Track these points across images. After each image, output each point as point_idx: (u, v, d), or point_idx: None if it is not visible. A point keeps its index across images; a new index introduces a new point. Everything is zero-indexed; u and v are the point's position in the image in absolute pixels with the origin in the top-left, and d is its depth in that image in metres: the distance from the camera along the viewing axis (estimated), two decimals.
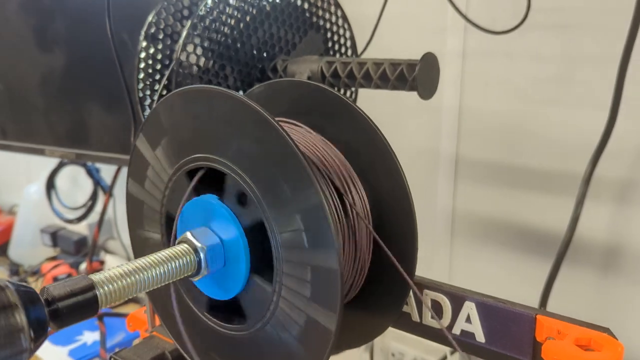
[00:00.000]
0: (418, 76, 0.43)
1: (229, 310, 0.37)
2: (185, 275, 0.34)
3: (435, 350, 0.80)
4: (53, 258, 1.36)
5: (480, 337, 0.37)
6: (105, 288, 0.29)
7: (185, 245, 0.34)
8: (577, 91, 0.70)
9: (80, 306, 0.28)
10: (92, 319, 1.03)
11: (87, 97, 0.93)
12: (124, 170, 1.02)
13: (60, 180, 1.28)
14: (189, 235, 0.34)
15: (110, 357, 0.49)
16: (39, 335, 0.26)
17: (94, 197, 1.14)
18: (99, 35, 0.89)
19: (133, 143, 0.41)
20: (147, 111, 0.56)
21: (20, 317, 0.25)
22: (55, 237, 1.36)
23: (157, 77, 0.55)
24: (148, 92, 0.55)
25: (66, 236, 1.34)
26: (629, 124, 0.63)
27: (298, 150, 0.29)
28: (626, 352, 0.74)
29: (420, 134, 0.85)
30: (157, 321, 0.56)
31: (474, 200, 0.82)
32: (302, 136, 0.38)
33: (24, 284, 0.27)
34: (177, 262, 0.33)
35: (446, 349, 0.77)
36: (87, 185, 1.26)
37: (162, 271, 0.32)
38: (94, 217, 1.25)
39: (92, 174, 1.11)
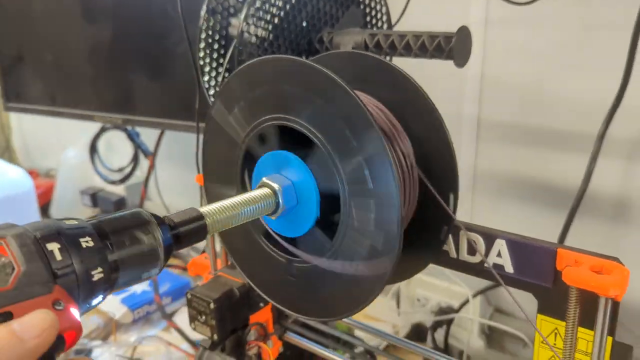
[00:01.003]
0: (454, 47, 0.49)
1: (300, 245, 0.44)
2: (267, 213, 0.41)
3: (458, 295, 0.87)
4: (93, 218, 1.44)
5: (509, 268, 0.44)
6: (211, 218, 0.36)
7: (267, 188, 0.40)
8: (593, 56, 0.75)
9: (194, 232, 0.34)
10: None
11: (133, 66, 0.99)
12: (168, 134, 1.09)
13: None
14: (266, 180, 0.41)
15: (187, 293, 0.56)
16: (167, 255, 0.33)
17: (135, 160, 1.20)
18: (144, 6, 0.95)
19: (210, 109, 0.47)
20: (207, 77, 0.62)
21: (160, 243, 0.32)
22: (95, 198, 1.43)
23: (216, 46, 0.61)
24: (207, 60, 0.61)
25: (105, 197, 1.41)
26: (636, 87, 0.68)
27: (364, 106, 0.36)
28: (631, 297, 0.82)
29: (444, 98, 0.89)
30: (219, 265, 0.63)
31: (494, 158, 0.88)
32: (364, 97, 0.44)
33: (155, 215, 0.33)
34: (261, 202, 0.40)
35: (468, 293, 0.85)
36: (123, 149, 1.33)
37: (251, 209, 0.39)
38: (132, 179, 1.33)
39: (133, 138, 1.17)
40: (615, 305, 0.38)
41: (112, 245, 0.30)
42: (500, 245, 0.44)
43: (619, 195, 0.77)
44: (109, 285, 0.30)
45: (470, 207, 0.92)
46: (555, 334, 0.43)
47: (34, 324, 0.25)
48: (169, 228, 0.33)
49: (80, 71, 1.07)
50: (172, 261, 1.19)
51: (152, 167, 1.07)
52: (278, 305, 0.47)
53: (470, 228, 0.45)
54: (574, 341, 0.40)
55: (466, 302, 0.85)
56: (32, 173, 1.66)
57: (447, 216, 0.45)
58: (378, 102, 0.46)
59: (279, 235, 0.44)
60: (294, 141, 0.42)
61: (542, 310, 0.43)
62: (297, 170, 0.41)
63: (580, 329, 0.40)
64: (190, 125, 0.89)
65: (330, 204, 0.40)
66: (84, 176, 1.48)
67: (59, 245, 0.28)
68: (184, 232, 0.34)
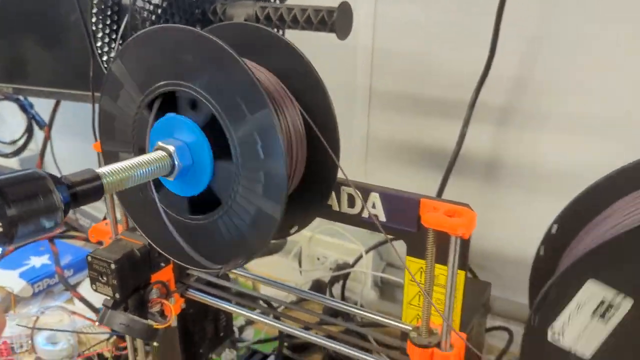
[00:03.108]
0: (336, 20, 0.54)
1: (195, 207, 0.47)
2: (163, 174, 0.44)
3: (352, 252, 0.95)
4: None
5: (382, 217, 0.50)
6: (107, 179, 0.38)
7: (162, 151, 0.43)
8: (468, 32, 0.83)
9: (91, 191, 0.36)
10: (38, 244, 1.10)
11: (23, 34, 0.96)
12: (64, 104, 1.07)
13: None
14: (161, 144, 0.44)
15: (88, 256, 0.58)
16: (66, 212, 0.36)
17: (29, 132, 1.16)
18: None
19: (106, 75, 0.49)
20: (100, 43, 0.62)
21: (57, 199, 0.34)
22: None
23: (108, 13, 0.61)
24: (100, 28, 0.62)
25: None
26: (504, 60, 0.77)
27: (255, 78, 0.40)
28: (502, 241, 0.94)
29: (338, 70, 0.96)
30: (119, 230, 0.65)
31: (384, 125, 0.96)
32: (251, 67, 0.47)
33: (51, 174, 0.35)
34: (157, 164, 0.42)
35: (360, 248, 0.92)
36: (15, 120, 1.27)
37: (147, 170, 0.41)
38: (26, 152, 1.28)
39: (26, 109, 1.13)
40: (464, 242, 0.45)
41: (9, 202, 0.32)
42: (375, 197, 0.50)
43: (490, 156, 0.87)
44: (8, 238, 0.32)
45: (365, 169, 0.99)
46: (421, 272, 0.50)
47: None
48: (66, 187, 0.36)
49: None
50: (73, 233, 1.17)
51: (48, 139, 1.05)
52: (174, 259, 0.51)
53: (350, 183, 0.51)
54: (433, 275, 0.47)
55: (360, 257, 0.93)
56: None
57: (331, 176, 0.50)
58: (268, 71, 0.50)
59: (174, 194, 0.48)
60: (188, 106, 0.45)
61: (409, 252, 0.50)
62: (191, 133, 0.44)
63: (439, 266, 0.48)
64: (86, 95, 0.88)
65: (224, 164, 0.44)
66: None
67: None
68: (81, 191, 0.36)
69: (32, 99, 1.15)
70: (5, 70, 0.99)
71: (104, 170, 0.38)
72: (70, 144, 1.21)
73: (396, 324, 0.53)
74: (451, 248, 0.45)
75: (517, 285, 0.83)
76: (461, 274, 0.48)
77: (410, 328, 0.50)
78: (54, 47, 0.94)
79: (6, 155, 1.23)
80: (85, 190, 0.36)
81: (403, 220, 0.49)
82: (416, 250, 0.50)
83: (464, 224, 0.44)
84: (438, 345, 0.48)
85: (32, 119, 1.14)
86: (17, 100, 1.13)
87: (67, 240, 1.15)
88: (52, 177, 0.35)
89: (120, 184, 0.39)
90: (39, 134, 1.19)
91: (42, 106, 1.16)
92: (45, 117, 1.14)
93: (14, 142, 1.27)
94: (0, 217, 0.31)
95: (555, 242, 0.60)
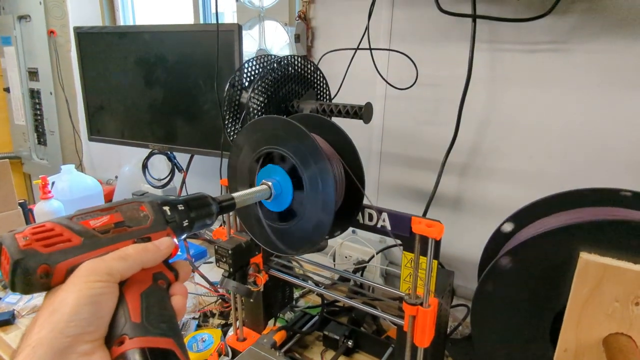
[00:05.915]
0: (364, 112, 0.62)
1: (281, 217, 0.55)
2: (265, 198, 0.52)
3: (368, 253, 1.00)
4: (181, 196, 1.47)
5: (389, 227, 0.56)
6: (238, 199, 0.46)
7: (265, 185, 0.52)
8: (441, 116, 0.90)
9: (230, 205, 0.43)
10: None
11: (176, 115, 1.07)
12: (196, 158, 1.17)
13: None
14: (264, 180, 0.52)
15: (215, 245, 0.66)
16: (217, 216, 0.43)
17: (172, 173, 1.27)
18: (184, 79, 1.04)
19: (232, 139, 0.58)
20: (227, 123, 0.72)
21: (214, 208, 0.42)
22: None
23: (233, 105, 0.71)
24: (228, 116, 0.72)
25: None
26: (464, 133, 0.83)
27: (318, 144, 0.48)
28: (463, 249, 0.96)
29: (362, 139, 1.03)
30: (232, 232, 0.73)
31: (390, 175, 1.02)
32: (315, 138, 0.56)
33: (209, 195, 0.43)
34: (262, 192, 0.51)
35: (373, 251, 0.97)
36: (160, 167, 1.39)
37: (257, 195, 0.50)
38: (169, 186, 1.38)
39: (171, 159, 1.24)
40: (436, 243, 0.51)
41: (192, 209, 0.39)
42: (385, 215, 0.57)
43: (456, 195, 0.92)
44: (189, 229, 0.40)
45: (376, 202, 1.05)
46: (411, 261, 0.56)
47: (164, 242, 0.34)
48: (217, 202, 0.43)
49: (141, 118, 1.14)
50: (194, 237, 1.26)
51: (185, 178, 1.15)
52: (267, 249, 0.58)
53: (370, 207, 0.58)
54: (418, 261, 0.53)
55: (372, 257, 0.98)
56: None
57: (359, 200, 0.57)
58: (324, 141, 0.58)
59: (269, 210, 0.55)
60: (279, 160, 0.54)
61: (405, 248, 0.56)
62: (281, 175, 0.53)
63: (422, 257, 0.54)
64: (212, 152, 0.98)
65: (299, 193, 0.52)
66: (134, 183, 1.53)
67: (169, 207, 0.37)
68: (224, 205, 0.43)
69: (176, 153, 1.25)
70: (164, 136, 1.11)
71: (235, 194, 0.46)
72: (199, 183, 1.31)
73: (396, 292, 0.59)
74: (429, 245, 0.51)
75: (472, 277, 0.86)
76: (435, 262, 0.53)
77: (404, 294, 0.56)
78: (192, 123, 1.05)
79: (156, 187, 1.33)
80: (226, 205, 0.44)
81: (401, 229, 0.55)
82: (408, 247, 0.56)
83: (436, 231, 0.50)
84: (421, 304, 0.53)
85: (174, 165, 1.25)
86: (165, 154, 1.24)
87: (191, 240, 1.23)
88: (210, 196, 0.43)
89: (243, 202, 0.47)
90: (177, 176, 1.30)
91: (180, 157, 1.27)
92: (183, 164, 1.25)
93: (160, 179, 1.37)
94: (187, 217, 0.39)
95: (498, 239, 0.64)
